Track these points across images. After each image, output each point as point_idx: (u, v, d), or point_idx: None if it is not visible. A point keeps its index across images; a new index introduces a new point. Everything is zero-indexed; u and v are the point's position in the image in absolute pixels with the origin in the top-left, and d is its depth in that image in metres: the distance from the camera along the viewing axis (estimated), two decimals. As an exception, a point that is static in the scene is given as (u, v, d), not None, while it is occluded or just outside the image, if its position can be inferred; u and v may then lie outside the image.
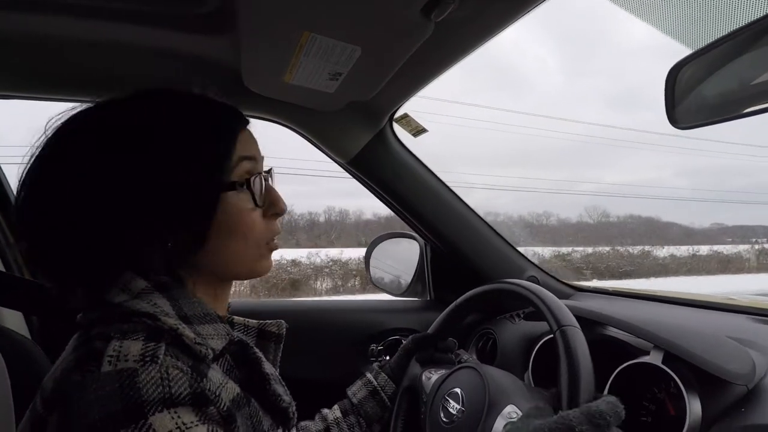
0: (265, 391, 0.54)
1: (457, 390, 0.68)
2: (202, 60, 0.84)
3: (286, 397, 0.56)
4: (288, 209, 0.59)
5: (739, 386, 0.64)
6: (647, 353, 0.72)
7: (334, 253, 9.16)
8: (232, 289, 0.62)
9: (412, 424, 0.79)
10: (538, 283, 1.12)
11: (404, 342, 0.87)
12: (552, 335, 0.63)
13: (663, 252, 12.13)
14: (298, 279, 8.45)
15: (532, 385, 0.90)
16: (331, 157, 1.13)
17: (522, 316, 1.09)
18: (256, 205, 0.54)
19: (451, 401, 0.68)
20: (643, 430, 0.72)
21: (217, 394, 0.46)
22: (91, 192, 0.47)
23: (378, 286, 1.38)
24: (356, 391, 0.81)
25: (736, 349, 0.70)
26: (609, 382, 0.73)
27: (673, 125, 0.57)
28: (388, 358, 1.20)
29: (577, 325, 0.62)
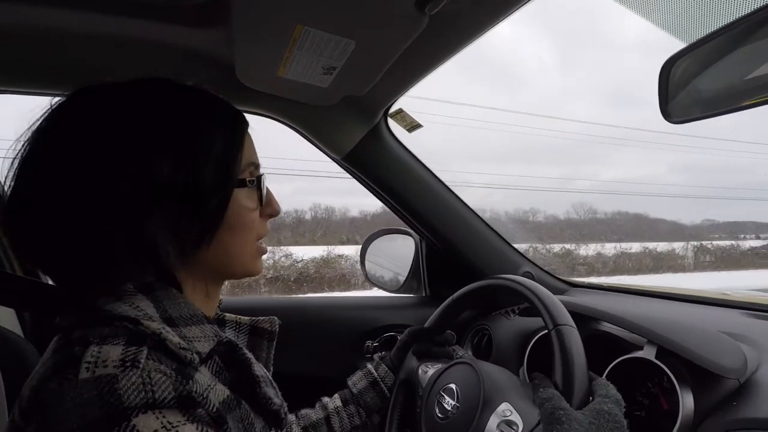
0: (255, 393, 0.53)
1: (453, 386, 0.68)
2: (194, 53, 0.83)
3: (277, 400, 0.55)
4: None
5: (731, 380, 0.64)
6: (641, 348, 0.72)
7: (299, 252, 8.94)
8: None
9: (408, 416, 0.79)
10: (533, 278, 1.13)
11: (401, 335, 0.87)
12: (546, 331, 0.63)
13: (590, 250, 11.63)
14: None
15: (527, 381, 0.90)
16: (325, 153, 1.13)
17: (517, 312, 1.09)
18: (259, 204, 0.55)
19: (446, 397, 0.68)
20: (636, 425, 0.72)
21: (205, 396, 0.44)
22: (110, 182, 0.45)
23: (373, 283, 1.38)
24: (357, 381, 0.82)
25: (728, 344, 0.71)
26: (603, 376, 0.74)
27: (666, 119, 0.57)
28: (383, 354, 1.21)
29: (573, 324, 0.62)
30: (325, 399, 0.81)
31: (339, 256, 8.86)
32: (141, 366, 0.41)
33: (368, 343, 1.21)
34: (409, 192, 1.16)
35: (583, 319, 0.81)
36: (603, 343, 0.79)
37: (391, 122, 1.10)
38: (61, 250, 0.45)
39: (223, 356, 0.52)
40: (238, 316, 0.64)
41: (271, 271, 8.21)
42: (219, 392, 0.47)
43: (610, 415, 0.53)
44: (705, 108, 0.55)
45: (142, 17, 0.73)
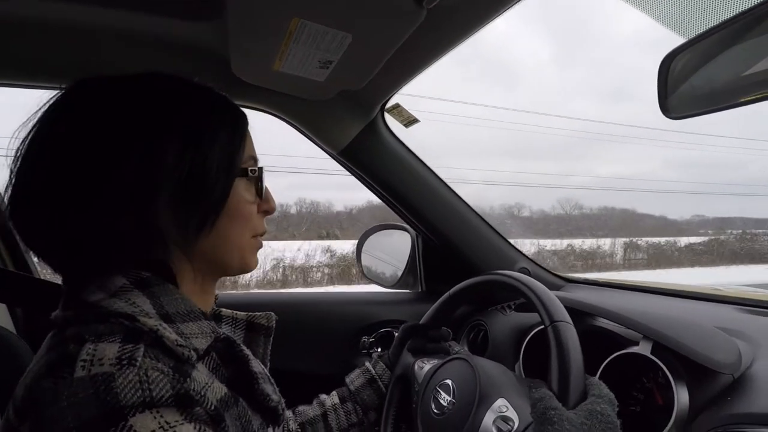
0: (253, 390, 0.52)
1: (449, 381, 0.68)
2: (189, 46, 0.82)
3: (275, 396, 0.55)
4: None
5: (726, 375, 0.65)
6: (636, 344, 0.72)
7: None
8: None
9: (404, 412, 0.79)
10: (529, 274, 1.13)
11: (398, 332, 0.87)
12: (542, 327, 0.63)
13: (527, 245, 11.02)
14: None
15: (523, 377, 0.90)
16: (321, 148, 1.12)
17: (513, 307, 1.09)
18: (257, 196, 0.56)
19: (442, 392, 0.68)
20: (631, 420, 0.73)
21: (203, 394, 0.44)
22: (116, 167, 0.45)
23: (369, 278, 1.38)
24: (354, 378, 0.82)
25: (723, 339, 0.71)
26: (599, 372, 0.74)
27: (665, 115, 0.56)
28: (379, 350, 1.21)
29: (570, 320, 0.62)
30: (323, 396, 0.81)
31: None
32: (138, 364, 0.40)
33: (364, 338, 1.21)
34: (405, 187, 1.15)
35: (579, 314, 0.81)
36: (599, 338, 0.79)
37: (388, 117, 1.09)
38: (67, 237, 0.46)
39: (220, 353, 0.51)
40: (235, 312, 0.63)
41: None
42: (216, 390, 0.47)
43: (602, 415, 0.53)
44: (704, 103, 0.55)
45: (137, 10, 0.72)
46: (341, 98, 0.97)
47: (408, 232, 1.32)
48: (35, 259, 1.22)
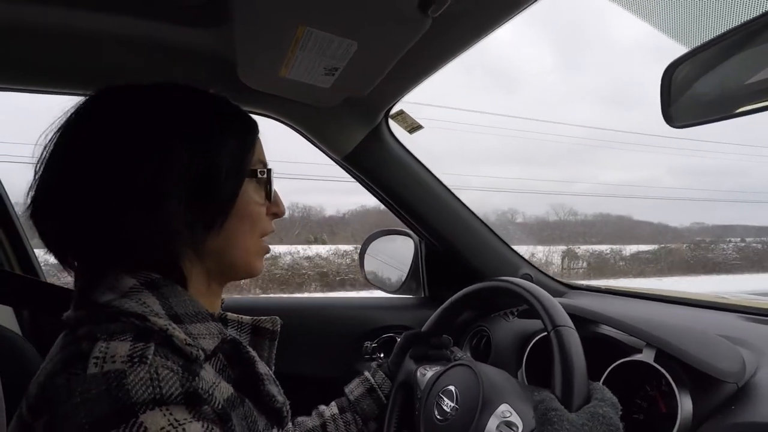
0: (259, 391, 0.53)
1: (452, 387, 0.68)
2: (197, 53, 0.83)
3: (280, 397, 0.56)
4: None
5: (730, 384, 0.64)
6: (639, 351, 0.72)
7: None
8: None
9: (406, 420, 0.79)
10: (532, 280, 1.13)
11: (399, 339, 0.87)
12: (545, 333, 0.63)
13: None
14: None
15: (526, 383, 0.90)
16: (326, 153, 1.13)
17: (516, 313, 1.09)
18: (266, 198, 0.58)
19: (445, 399, 0.68)
20: (635, 428, 0.73)
21: (211, 393, 0.45)
22: (133, 169, 0.48)
23: (372, 283, 1.38)
24: (353, 388, 0.82)
25: (726, 348, 0.71)
26: (602, 379, 0.74)
27: (668, 123, 0.57)
28: (382, 355, 1.21)
29: (572, 325, 0.62)
30: (322, 407, 0.81)
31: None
32: (149, 362, 0.41)
33: (367, 343, 1.21)
34: (409, 193, 1.16)
35: (582, 321, 0.81)
36: (602, 345, 0.79)
37: (392, 123, 1.10)
38: (85, 235, 0.48)
39: (227, 354, 0.52)
40: (240, 316, 0.64)
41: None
42: (223, 389, 0.47)
43: (604, 417, 0.53)
44: (706, 112, 0.56)
45: (145, 17, 0.73)
46: (346, 104, 0.98)
47: (411, 237, 1.32)
48: (41, 262, 1.23)
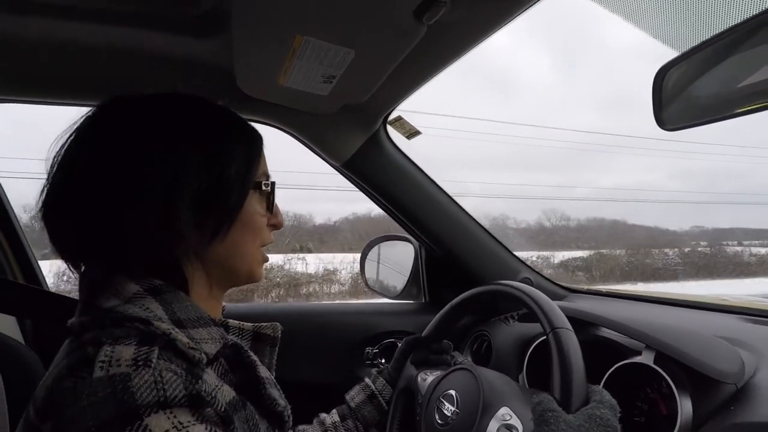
0: (261, 395, 0.54)
1: (452, 392, 0.68)
2: (196, 62, 0.84)
3: (282, 401, 0.56)
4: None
5: (729, 385, 0.65)
6: (639, 353, 0.72)
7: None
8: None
9: (407, 425, 0.79)
10: (531, 284, 1.13)
11: (399, 345, 0.88)
12: (546, 337, 0.63)
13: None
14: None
15: (527, 387, 0.90)
16: (325, 160, 1.14)
17: (516, 317, 1.09)
18: (267, 210, 0.59)
19: (445, 403, 0.68)
20: (636, 430, 0.72)
21: (213, 395, 0.45)
22: (144, 175, 0.49)
23: (373, 289, 1.38)
24: (354, 395, 0.82)
25: (725, 349, 0.71)
26: (602, 382, 0.74)
27: (660, 127, 0.58)
28: (383, 360, 1.21)
29: (570, 327, 0.63)
30: (323, 415, 0.81)
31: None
32: (153, 365, 0.42)
33: (368, 349, 1.21)
34: (408, 198, 1.17)
35: (582, 324, 0.81)
36: (602, 348, 0.79)
37: (390, 129, 1.11)
38: (95, 237, 0.49)
39: (228, 358, 0.53)
40: (241, 322, 0.64)
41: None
42: (226, 393, 0.48)
43: (602, 419, 0.53)
44: (698, 115, 0.56)
45: (145, 28, 0.75)
46: (344, 111, 0.99)
47: (411, 242, 1.32)
48: (44, 272, 1.24)
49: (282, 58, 0.73)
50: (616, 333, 0.79)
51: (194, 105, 0.56)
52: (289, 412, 0.59)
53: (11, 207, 1.20)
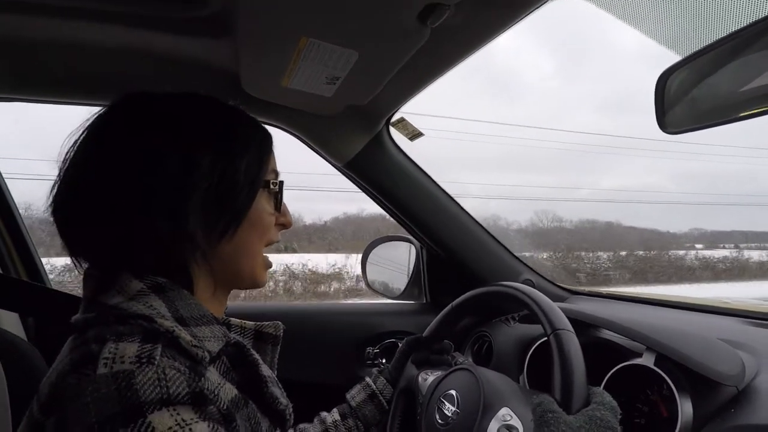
0: (262, 393, 0.54)
1: (453, 392, 0.69)
2: (200, 63, 0.85)
3: (283, 399, 0.57)
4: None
5: (730, 387, 0.65)
6: (640, 355, 0.73)
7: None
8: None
9: (408, 425, 0.79)
10: (533, 286, 1.13)
11: (400, 345, 0.88)
12: (546, 338, 0.64)
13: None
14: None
15: (527, 388, 0.91)
16: (327, 161, 1.14)
17: (517, 318, 1.09)
18: (275, 209, 0.60)
19: (446, 403, 0.68)
20: (636, 432, 0.73)
21: (216, 393, 0.46)
22: (157, 172, 0.49)
23: (374, 290, 1.38)
24: (355, 394, 0.82)
25: (726, 351, 0.71)
26: (603, 384, 0.74)
27: (663, 130, 0.58)
28: (384, 360, 1.21)
29: (571, 328, 0.63)
30: (324, 413, 0.82)
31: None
32: (156, 362, 0.42)
33: (369, 349, 1.21)
34: (410, 199, 1.17)
35: (583, 326, 0.81)
36: (602, 350, 0.80)
37: (393, 131, 1.12)
38: (105, 234, 0.49)
39: (230, 357, 0.53)
40: (243, 321, 0.65)
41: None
42: (228, 391, 0.48)
43: (602, 421, 0.53)
44: (700, 119, 0.57)
45: (151, 29, 0.75)
46: (348, 112, 1.00)
47: (412, 243, 1.33)
48: (47, 269, 1.25)
49: (287, 59, 0.74)
50: (617, 335, 0.79)
51: (206, 104, 0.56)
52: (291, 410, 0.59)
53: (15, 204, 1.20)
